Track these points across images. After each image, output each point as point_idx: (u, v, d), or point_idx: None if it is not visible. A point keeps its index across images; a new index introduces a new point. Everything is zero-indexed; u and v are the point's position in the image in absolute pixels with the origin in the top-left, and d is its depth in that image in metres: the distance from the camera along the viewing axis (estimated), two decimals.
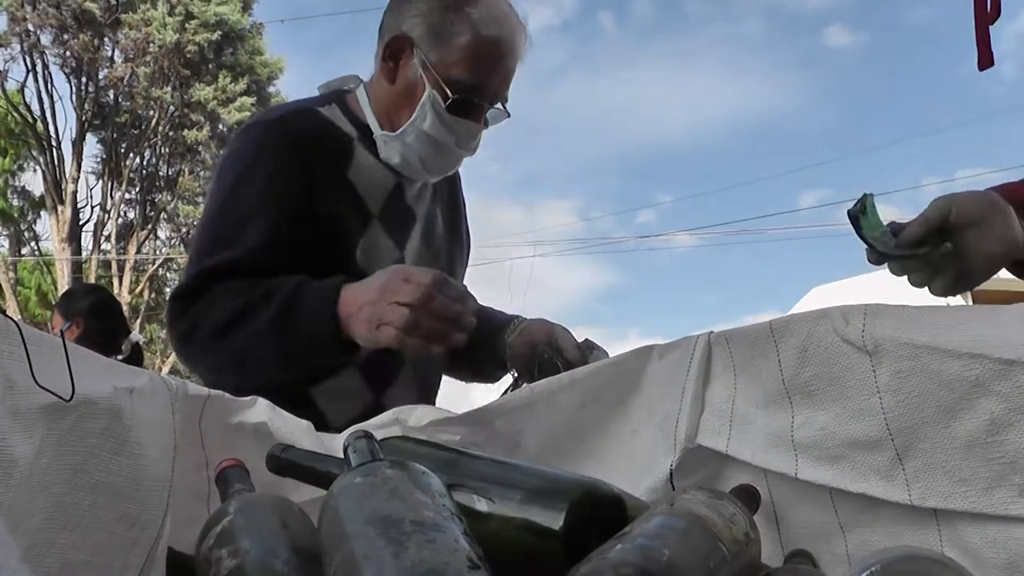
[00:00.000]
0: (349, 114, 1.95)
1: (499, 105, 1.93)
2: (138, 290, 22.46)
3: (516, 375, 1.93)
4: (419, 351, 1.60)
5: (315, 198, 1.81)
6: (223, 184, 1.86)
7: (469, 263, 2.31)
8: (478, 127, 1.90)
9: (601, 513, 0.91)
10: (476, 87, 1.86)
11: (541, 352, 1.87)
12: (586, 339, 1.92)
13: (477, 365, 2.12)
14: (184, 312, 1.76)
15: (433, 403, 2.02)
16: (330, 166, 1.86)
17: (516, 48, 1.90)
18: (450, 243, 2.13)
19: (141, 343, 4.37)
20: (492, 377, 2.11)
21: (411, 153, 1.89)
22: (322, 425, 1.69)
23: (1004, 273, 1.51)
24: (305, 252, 1.77)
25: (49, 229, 22.19)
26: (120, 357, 4.03)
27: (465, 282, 2.20)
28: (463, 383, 2.22)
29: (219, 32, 21.48)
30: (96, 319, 4.13)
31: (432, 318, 1.57)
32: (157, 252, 24.29)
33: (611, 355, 1.79)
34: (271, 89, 23.95)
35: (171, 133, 22.62)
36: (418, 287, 1.56)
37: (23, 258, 24.05)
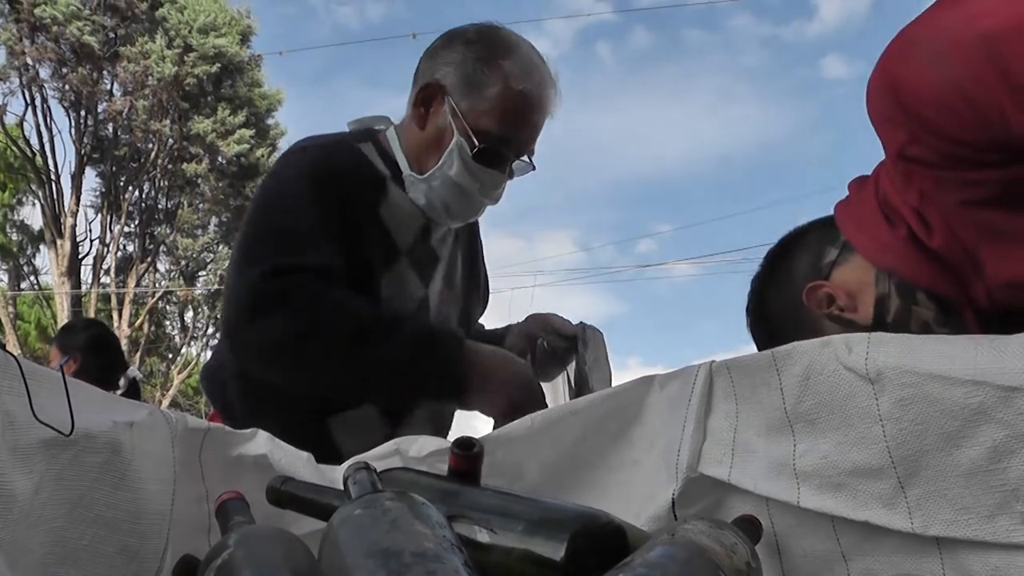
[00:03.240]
0: (383, 153, 1.97)
1: (525, 158, 1.96)
2: (138, 323, 22.43)
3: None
4: None
5: (349, 231, 1.83)
6: (268, 199, 1.88)
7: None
8: (502, 177, 1.93)
9: (602, 543, 0.90)
10: (503, 138, 1.89)
11: (540, 340, 2.01)
12: (581, 322, 2.00)
13: None
14: (276, 310, 1.70)
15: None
16: (364, 201, 1.89)
17: (545, 103, 1.93)
18: (468, 287, 2.16)
19: (139, 379, 4.36)
20: None
21: (436, 197, 1.91)
22: (335, 455, 1.70)
23: None
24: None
25: (48, 263, 22.22)
26: (118, 392, 4.02)
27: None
28: (467, 411, 2.23)
29: (218, 65, 21.53)
30: (94, 354, 4.11)
31: None
32: (156, 285, 24.28)
33: (612, 383, 1.83)
34: (270, 121, 24.02)
35: (170, 166, 22.65)
36: None
37: (22, 292, 24.05)
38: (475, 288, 2.20)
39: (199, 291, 24.79)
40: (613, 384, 1.80)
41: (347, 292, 1.75)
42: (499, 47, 1.91)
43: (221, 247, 23.98)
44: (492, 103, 1.87)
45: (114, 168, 22.48)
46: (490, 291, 2.35)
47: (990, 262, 1.28)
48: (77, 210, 21.77)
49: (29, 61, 20.38)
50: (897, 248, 1.34)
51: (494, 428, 1.55)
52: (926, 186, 1.27)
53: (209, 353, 26.06)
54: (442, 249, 2.02)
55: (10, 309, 21.70)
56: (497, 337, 2.12)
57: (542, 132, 1.98)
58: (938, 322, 1.34)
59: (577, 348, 1.93)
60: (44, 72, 20.99)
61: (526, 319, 2.11)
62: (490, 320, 2.34)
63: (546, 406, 1.57)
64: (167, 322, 26.07)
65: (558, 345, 2.00)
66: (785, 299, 1.50)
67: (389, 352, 1.70)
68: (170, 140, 22.12)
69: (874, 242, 1.38)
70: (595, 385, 1.86)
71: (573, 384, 1.94)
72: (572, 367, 1.98)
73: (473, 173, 1.88)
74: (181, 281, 24.67)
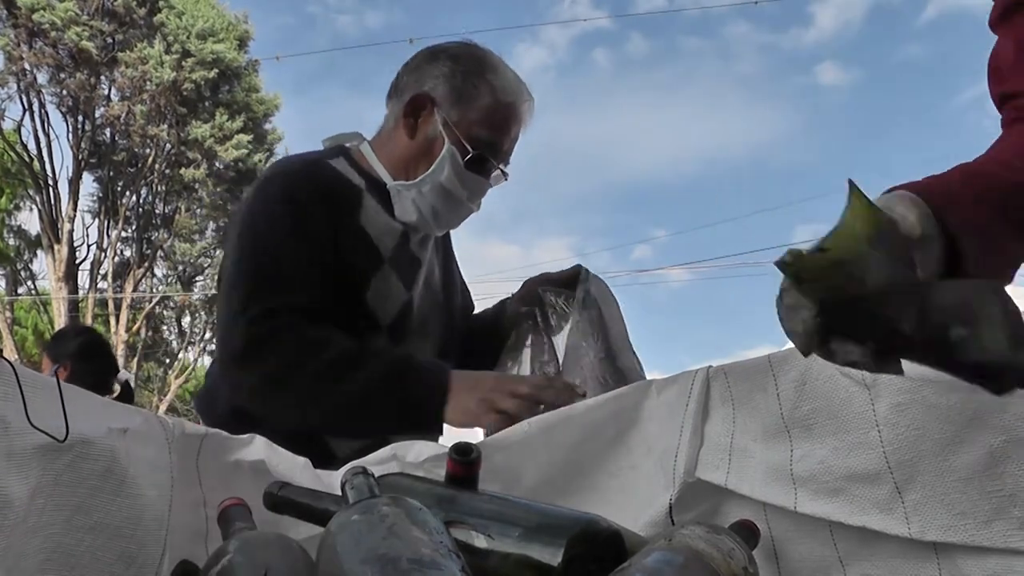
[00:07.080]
0: (355, 166, 2.02)
1: (501, 167, 2.05)
2: (135, 328, 22.40)
3: (526, 325, 2.08)
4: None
5: (337, 245, 1.88)
6: (256, 230, 1.89)
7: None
8: (487, 184, 2.02)
9: (600, 549, 0.90)
10: (492, 145, 1.98)
11: (539, 294, 2.07)
12: (578, 264, 2.06)
13: (484, 360, 2.17)
14: (264, 352, 1.76)
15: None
16: (345, 214, 1.93)
17: (525, 116, 2.04)
18: (447, 289, 2.20)
19: (131, 382, 4.36)
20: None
21: (425, 203, 1.97)
22: (328, 457, 1.70)
23: None
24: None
25: (45, 268, 22.20)
26: (112, 396, 4.02)
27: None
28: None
29: (215, 70, 21.51)
30: (85, 361, 4.10)
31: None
32: (154, 290, 24.27)
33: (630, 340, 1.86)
34: (267, 126, 23.99)
35: (168, 171, 22.62)
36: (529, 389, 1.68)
37: (19, 297, 24.02)
38: (453, 290, 2.24)
39: (196, 296, 24.76)
40: (625, 357, 1.89)
41: (328, 330, 1.78)
42: (484, 62, 2.02)
43: (218, 252, 23.90)
44: (482, 114, 1.96)
45: (112, 173, 22.47)
46: (471, 297, 2.39)
47: None
48: (74, 215, 21.77)
49: (27, 66, 20.38)
50: None
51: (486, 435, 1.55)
52: None
53: (207, 358, 26.10)
54: (422, 253, 2.07)
55: (7, 314, 21.68)
56: (493, 314, 2.22)
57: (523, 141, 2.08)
58: None
59: (578, 289, 1.96)
60: (42, 77, 21.01)
61: (522, 284, 2.18)
62: None
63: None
64: (164, 327, 26.08)
65: (561, 294, 2.05)
66: None
67: (362, 387, 1.73)
68: (168, 145, 22.09)
69: None
70: (616, 341, 1.90)
71: (567, 339, 1.92)
72: (564, 334, 1.97)
73: (463, 179, 1.96)
74: (178, 286, 24.68)
